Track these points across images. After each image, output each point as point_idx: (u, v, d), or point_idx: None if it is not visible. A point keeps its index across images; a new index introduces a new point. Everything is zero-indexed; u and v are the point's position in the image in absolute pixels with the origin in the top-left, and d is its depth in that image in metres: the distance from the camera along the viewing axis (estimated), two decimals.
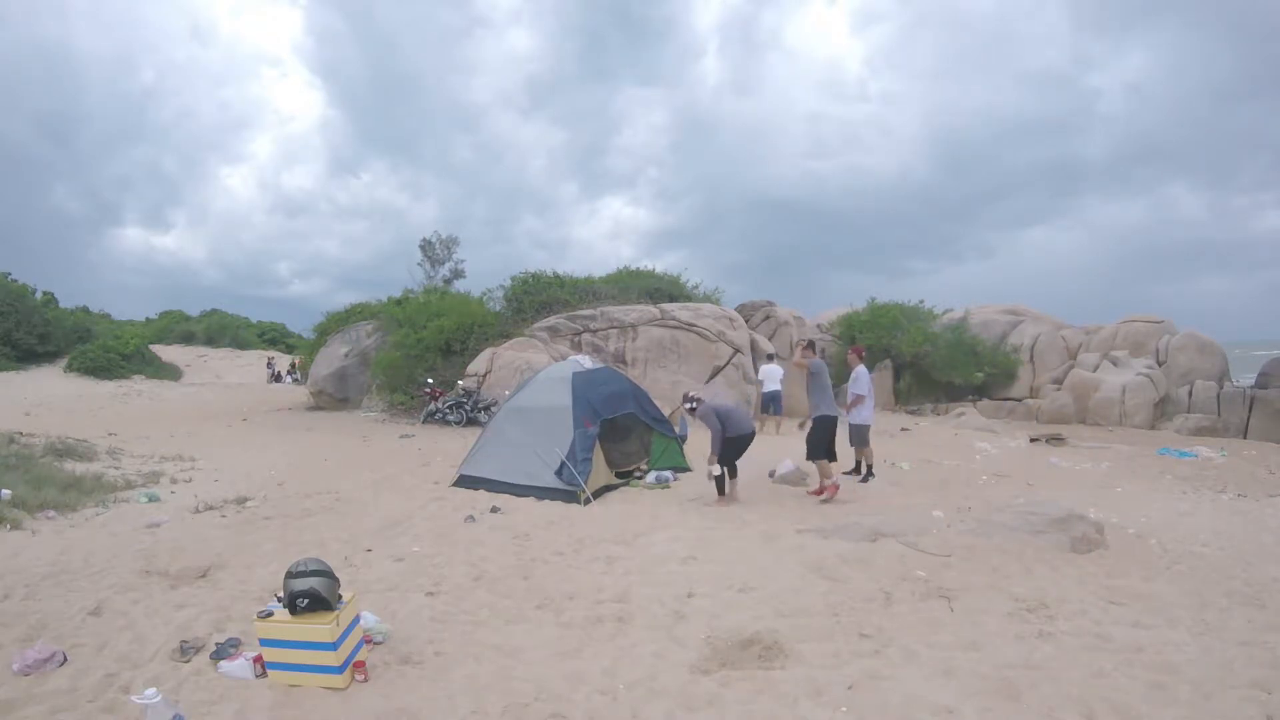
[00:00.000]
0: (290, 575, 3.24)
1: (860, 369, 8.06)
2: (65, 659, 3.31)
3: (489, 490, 7.09)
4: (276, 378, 28.60)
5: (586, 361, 8.24)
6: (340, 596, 3.29)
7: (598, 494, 6.95)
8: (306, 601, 3.16)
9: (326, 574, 3.26)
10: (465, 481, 7.42)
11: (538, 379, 7.90)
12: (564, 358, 13.12)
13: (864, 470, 8.03)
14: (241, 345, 36.61)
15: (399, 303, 19.65)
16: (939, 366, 17.63)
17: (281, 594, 3.27)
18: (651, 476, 7.81)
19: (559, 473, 6.84)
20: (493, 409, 12.92)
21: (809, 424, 7.34)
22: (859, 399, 7.86)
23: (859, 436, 7.94)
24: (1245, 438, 13.75)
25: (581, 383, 7.46)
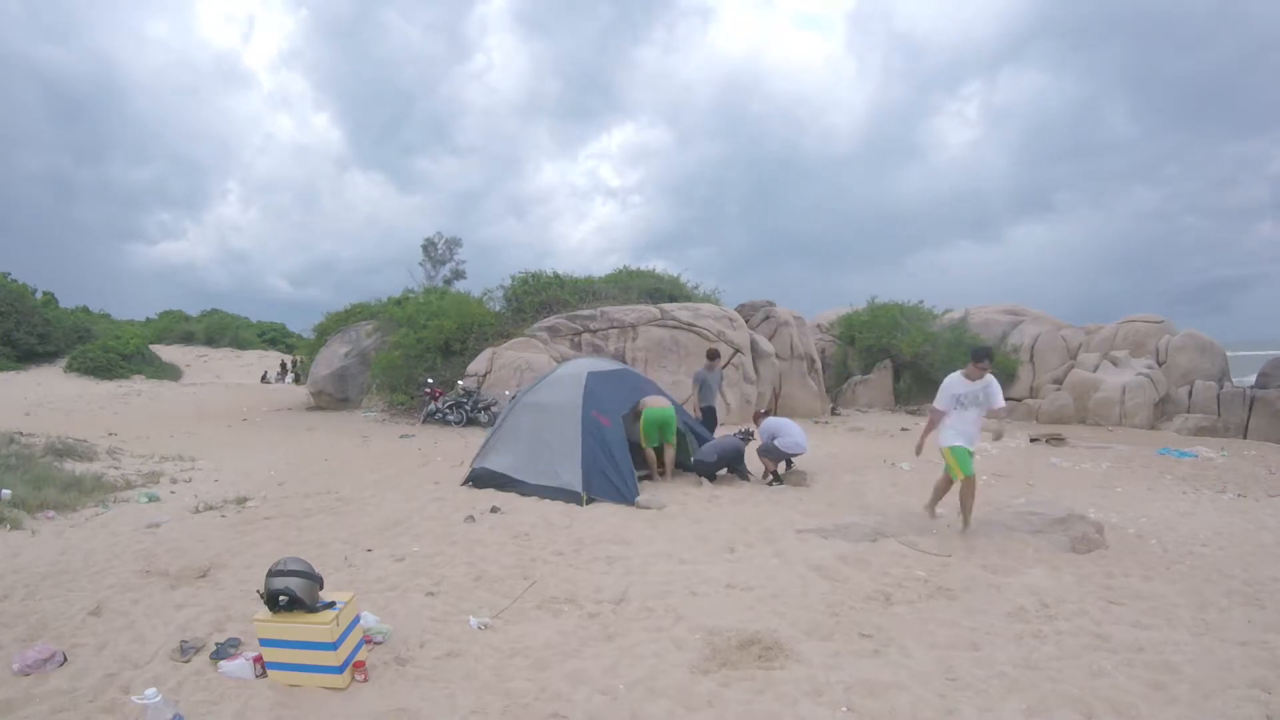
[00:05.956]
0: (271, 573, 3.23)
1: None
2: (65, 659, 3.31)
3: (498, 488, 7.08)
4: (280, 377, 28.58)
5: (605, 365, 8.18)
6: (319, 599, 3.24)
7: None
8: (286, 599, 3.15)
9: (306, 575, 3.23)
10: (477, 475, 7.38)
11: (554, 375, 7.80)
12: (564, 358, 13.13)
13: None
14: (241, 345, 36.64)
15: (399, 303, 19.63)
16: (939, 366, 17.60)
17: (262, 590, 3.26)
18: None
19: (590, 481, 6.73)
20: (493, 409, 12.92)
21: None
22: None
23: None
24: (1245, 438, 13.74)
25: (596, 382, 7.43)
